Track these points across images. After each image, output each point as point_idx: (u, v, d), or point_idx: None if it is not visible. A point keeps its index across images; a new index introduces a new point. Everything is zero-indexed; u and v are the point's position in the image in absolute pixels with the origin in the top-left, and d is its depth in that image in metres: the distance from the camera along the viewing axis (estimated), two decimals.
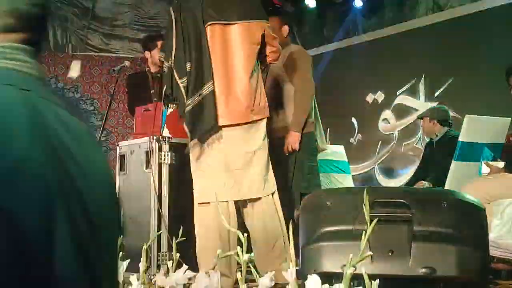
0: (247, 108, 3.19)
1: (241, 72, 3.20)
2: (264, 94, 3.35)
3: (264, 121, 3.30)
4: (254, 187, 3.21)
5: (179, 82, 3.15)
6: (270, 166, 3.33)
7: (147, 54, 4.88)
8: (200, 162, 3.21)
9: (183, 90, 3.15)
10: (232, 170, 3.17)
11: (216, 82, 3.16)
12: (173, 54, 3.17)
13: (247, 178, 3.20)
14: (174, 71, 3.17)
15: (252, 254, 3.09)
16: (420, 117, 5.52)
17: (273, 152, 3.49)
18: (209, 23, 3.17)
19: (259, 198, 3.24)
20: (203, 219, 3.18)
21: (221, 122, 3.16)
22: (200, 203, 3.20)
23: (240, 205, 3.27)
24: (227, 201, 3.15)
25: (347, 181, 5.73)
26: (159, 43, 4.71)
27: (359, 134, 7.81)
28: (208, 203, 3.13)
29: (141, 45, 5.03)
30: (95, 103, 9.41)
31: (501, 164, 3.94)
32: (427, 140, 5.76)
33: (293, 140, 4.15)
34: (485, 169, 4.01)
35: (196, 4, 3.19)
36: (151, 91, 4.79)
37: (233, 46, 3.21)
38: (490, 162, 4.06)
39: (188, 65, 3.15)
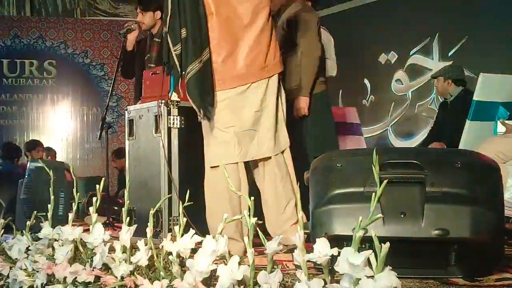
0: (255, 68, 3.10)
1: (249, 31, 3.09)
2: (278, 48, 3.24)
3: (275, 77, 3.20)
4: (264, 147, 3.15)
5: (172, 49, 3.03)
6: (283, 124, 3.25)
7: (141, 12, 4.82)
8: (210, 125, 3.16)
9: (175, 58, 3.03)
10: (242, 131, 3.11)
11: (221, 45, 3.06)
12: (168, 20, 3.05)
13: (256, 137, 3.14)
14: (168, 37, 3.05)
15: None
16: (435, 77, 5.42)
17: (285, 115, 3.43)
18: None
19: (270, 159, 3.19)
20: (212, 183, 3.14)
21: (228, 85, 3.09)
22: (212, 167, 3.15)
23: (251, 167, 3.22)
24: (236, 164, 3.10)
25: (360, 144, 5.68)
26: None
27: (372, 96, 7.73)
28: (218, 166, 3.08)
29: (140, 3, 4.92)
30: (105, 68, 9.38)
31: None
32: (441, 100, 5.68)
33: (302, 106, 4.09)
34: (500, 128, 3.94)
35: None
36: (146, 56, 4.76)
37: (239, 4, 3.08)
38: (506, 121, 3.98)
39: (183, 32, 3.02)
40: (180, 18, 3.02)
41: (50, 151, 8.21)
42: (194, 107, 3.08)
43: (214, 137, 3.14)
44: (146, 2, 4.89)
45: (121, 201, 5.29)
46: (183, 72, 3.04)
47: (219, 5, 3.07)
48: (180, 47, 3.02)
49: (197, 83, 3.02)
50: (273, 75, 3.18)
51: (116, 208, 5.13)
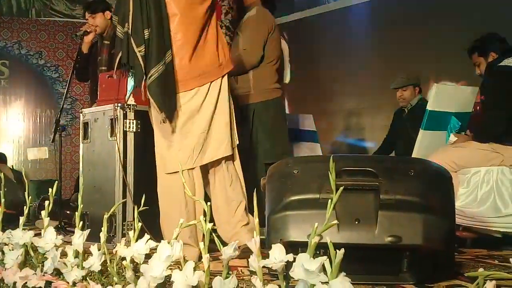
0: (208, 68, 3.09)
1: (205, 28, 3.10)
2: (226, 45, 3.25)
3: (224, 78, 3.19)
4: (221, 147, 3.15)
5: (136, 50, 2.96)
6: (234, 122, 3.26)
7: (91, 16, 4.80)
8: (165, 129, 3.12)
9: (140, 59, 2.97)
10: (199, 133, 3.09)
11: (185, 44, 3.05)
12: (130, 19, 2.98)
13: (212, 139, 3.13)
14: (132, 38, 2.98)
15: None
16: (401, 87, 5.42)
17: (238, 120, 3.44)
18: None
19: (220, 164, 3.19)
20: (167, 188, 3.11)
21: (191, 85, 3.07)
22: (168, 173, 3.12)
23: (201, 173, 3.19)
24: (192, 169, 3.08)
25: (316, 150, 5.71)
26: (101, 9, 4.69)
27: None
28: (174, 172, 3.05)
29: (87, 8, 4.89)
30: (59, 70, 9.22)
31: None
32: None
33: None
34: (452, 138, 4.02)
35: None
36: (98, 58, 4.73)
37: (184, 6, 3.07)
38: (458, 134, 4.07)
39: (147, 32, 2.97)
40: (142, 19, 2.97)
41: None
42: (157, 110, 3.03)
43: (171, 142, 3.10)
44: (93, 5, 4.86)
45: (74, 205, 5.19)
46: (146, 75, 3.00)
47: (184, 7, 3.05)
48: (144, 48, 2.97)
49: (160, 85, 2.98)
50: (226, 73, 3.18)
51: (68, 212, 5.03)
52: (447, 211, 2.35)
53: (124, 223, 3.72)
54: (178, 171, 2.93)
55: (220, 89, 3.15)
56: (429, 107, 4.23)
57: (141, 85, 3.00)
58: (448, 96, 4.29)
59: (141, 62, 2.97)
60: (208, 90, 3.11)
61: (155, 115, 3.14)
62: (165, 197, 3.13)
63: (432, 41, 6.33)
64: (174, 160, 3.07)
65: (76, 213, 2.28)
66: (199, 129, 3.09)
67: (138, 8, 2.98)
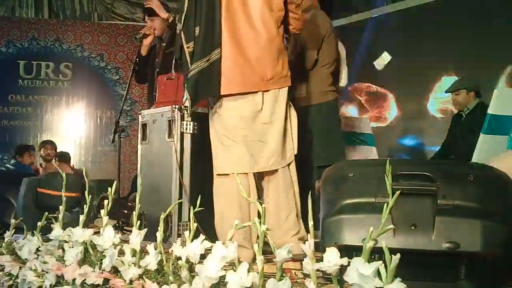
0: (264, 77, 3.07)
1: (259, 40, 3.07)
2: (286, 63, 3.22)
3: (285, 90, 3.17)
4: (272, 160, 3.12)
5: (184, 46, 3.03)
6: (290, 136, 3.22)
7: (149, 19, 4.89)
8: (218, 132, 3.15)
9: (187, 55, 3.03)
10: (251, 141, 3.10)
11: (231, 49, 3.05)
12: (183, 16, 3.05)
13: (265, 150, 3.11)
14: (182, 34, 3.05)
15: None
16: (454, 90, 5.36)
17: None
18: None
19: (276, 171, 3.17)
20: (222, 189, 3.13)
21: (235, 90, 3.07)
22: (219, 174, 3.15)
23: (256, 178, 3.19)
24: (246, 173, 3.08)
25: (371, 153, 5.65)
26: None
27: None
28: (228, 174, 3.08)
29: (146, 11, 5.00)
30: (120, 72, 9.43)
31: None
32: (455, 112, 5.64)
33: None
34: None
35: None
36: (156, 61, 4.81)
37: (252, 12, 3.08)
38: None
39: (197, 30, 3.02)
40: (195, 17, 3.03)
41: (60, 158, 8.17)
42: (188, 102, 3.10)
43: (224, 145, 3.12)
44: (152, 8, 4.94)
45: (131, 205, 5.29)
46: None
47: (235, 12, 3.07)
48: (193, 45, 3.03)
49: (199, 80, 3.03)
50: (282, 88, 3.16)
51: (126, 211, 5.13)
52: (507, 217, 2.28)
53: (179, 223, 3.77)
54: (231, 173, 2.97)
55: (276, 102, 3.12)
56: (490, 110, 4.14)
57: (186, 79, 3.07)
58: (510, 99, 4.19)
59: (188, 59, 3.04)
60: (263, 99, 3.10)
61: (210, 116, 3.18)
62: (220, 199, 3.15)
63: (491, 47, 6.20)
64: (225, 162, 3.09)
65: (134, 212, 2.32)
66: (253, 137, 3.10)
67: (192, 6, 3.04)
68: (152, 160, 4.08)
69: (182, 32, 3.05)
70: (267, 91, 3.10)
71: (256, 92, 3.08)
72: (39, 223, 2.75)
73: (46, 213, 2.74)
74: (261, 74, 3.07)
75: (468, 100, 5.26)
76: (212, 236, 2.83)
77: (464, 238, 2.13)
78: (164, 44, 4.83)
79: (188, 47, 3.02)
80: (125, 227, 4.79)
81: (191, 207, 2.12)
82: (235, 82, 3.06)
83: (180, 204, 3.74)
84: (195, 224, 2.05)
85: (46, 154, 7.75)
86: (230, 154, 3.09)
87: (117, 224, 4.73)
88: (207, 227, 2.94)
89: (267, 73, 3.08)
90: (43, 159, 7.80)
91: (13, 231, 3.04)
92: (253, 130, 3.10)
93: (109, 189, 2.44)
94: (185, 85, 3.08)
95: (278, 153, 3.13)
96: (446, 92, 5.43)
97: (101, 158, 9.30)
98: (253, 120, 3.10)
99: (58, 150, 8.07)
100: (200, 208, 2.10)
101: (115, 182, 2.59)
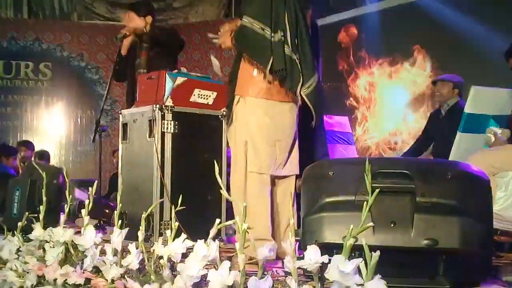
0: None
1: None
2: None
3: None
4: (293, 165, 3.21)
5: (294, 57, 3.03)
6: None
7: (138, 19, 4.89)
8: (256, 133, 3.14)
9: (299, 65, 3.05)
10: (283, 147, 3.16)
11: None
12: (287, 27, 3.04)
13: (289, 156, 3.20)
14: (286, 45, 3.03)
15: None
16: (437, 81, 5.41)
17: None
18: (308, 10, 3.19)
19: (287, 177, 3.23)
20: (256, 188, 3.12)
21: (278, 97, 3.12)
22: (251, 172, 3.12)
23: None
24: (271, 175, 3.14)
25: (351, 152, 5.70)
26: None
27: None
28: (261, 173, 3.10)
29: (131, 10, 4.99)
30: (100, 71, 9.38)
31: (506, 132, 3.89)
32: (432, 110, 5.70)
33: None
34: (497, 130, 3.95)
35: None
36: (137, 61, 4.82)
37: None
38: (494, 128, 3.99)
39: (297, 41, 3.06)
40: (297, 28, 3.07)
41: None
42: (314, 112, 3.15)
43: (259, 146, 3.12)
44: (138, 8, 4.96)
45: (112, 204, 5.28)
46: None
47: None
48: (298, 56, 3.06)
49: (316, 93, 3.13)
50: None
51: (107, 211, 5.12)
52: (484, 214, 2.32)
53: (161, 222, 3.77)
54: (264, 173, 3.06)
55: (296, 111, 3.22)
56: (466, 109, 4.18)
57: (299, 90, 3.08)
58: (486, 98, 4.24)
59: (300, 68, 3.06)
60: (289, 109, 3.17)
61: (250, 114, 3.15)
62: (251, 196, 3.10)
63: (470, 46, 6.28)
64: (260, 161, 3.11)
65: (115, 211, 2.32)
66: (283, 142, 3.16)
67: (291, 17, 3.05)
68: (133, 159, 4.07)
69: (285, 43, 3.04)
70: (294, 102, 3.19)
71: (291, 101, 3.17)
72: (19, 223, 2.75)
73: (27, 213, 2.73)
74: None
75: (451, 96, 5.31)
76: (193, 235, 2.83)
77: (443, 235, 2.16)
78: (147, 45, 4.84)
79: (297, 57, 3.05)
80: (106, 227, 4.78)
81: (173, 206, 2.13)
82: (276, 90, 3.11)
83: (161, 203, 3.74)
84: (177, 223, 2.06)
85: (21, 157, 7.71)
86: (266, 155, 3.12)
87: (98, 224, 4.72)
88: (188, 225, 2.95)
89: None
90: (20, 161, 7.75)
91: None
92: (286, 136, 3.18)
93: (90, 189, 2.44)
94: (307, 97, 3.10)
95: (296, 159, 3.23)
96: (433, 81, 5.50)
97: (81, 158, 9.25)
98: (284, 127, 3.17)
99: (37, 150, 8.02)
100: (181, 207, 2.11)
101: (96, 182, 2.59)
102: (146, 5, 5.07)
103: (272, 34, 3.01)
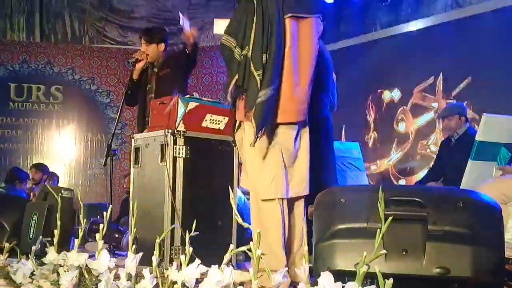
0: (303, 107, 3.05)
1: (306, 71, 3.05)
2: None
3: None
4: (302, 185, 3.08)
5: (255, 74, 2.91)
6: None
7: (145, 44, 4.99)
8: (258, 158, 3.04)
9: (259, 82, 2.90)
10: (288, 167, 3.04)
11: (284, 77, 2.99)
12: (251, 43, 2.93)
13: (297, 175, 3.07)
14: (251, 61, 2.92)
15: None
16: (445, 116, 5.44)
17: None
18: (289, 15, 2.96)
19: (299, 200, 3.12)
20: (271, 215, 2.99)
21: (289, 118, 3.02)
22: (264, 200, 3.01)
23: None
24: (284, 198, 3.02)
25: (362, 179, 5.70)
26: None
27: (374, 132, 7.78)
28: (273, 199, 2.96)
29: (145, 35, 5.09)
30: (111, 95, 9.46)
31: None
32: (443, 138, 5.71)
33: None
34: (497, 173, 3.98)
35: None
36: (148, 86, 4.91)
37: (303, 43, 3.04)
38: (503, 167, 4.01)
39: (264, 57, 2.92)
40: (263, 43, 2.93)
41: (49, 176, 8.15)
42: (255, 128, 2.94)
43: (264, 170, 3.02)
44: (151, 34, 5.06)
45: (121, 229, 5.29)
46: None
47: (298, 39, 3.03)
48: (261, 73, 2.92)
49: (264, 109, 2.92)
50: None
51: (116, 235, 5.13)
52: (496, 243, 2.33)
53: (172, 247, 3.78)
54: (275, 199, 2.93)
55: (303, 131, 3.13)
56: (478, 137, 4.20)
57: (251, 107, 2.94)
58: (498, 126, 4.25)
59: (258, 86, 2.92)
60: (299, 128, 3.07)
61: (248, 138, 3.05)
62: (269, 223, 2.98)
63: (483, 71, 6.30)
64: (268, 187, 2.99)
65: (129, 236, 2.34)
66: (289, 163, 3.04)
67: (260, 32, 2.94)
68: (144, 184, 4.10)
69: (251, 60, 2.94)
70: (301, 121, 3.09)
71: (295, 122, 3.06)
72: (33, 247, 2.77)
73: (41, 237, 2.75)
74: (305, 104, 3.06)
75: (459, 125, 5.35)
76: (203, 260, 2.83)
77: (454, 264, 2.17)
78: (157, 70, 4.93)
79: (258, 75, 2.90)
80: (116, 251, 4.79)
81: (187, 231, 2.15)
82: (290, 111, 3.01)
83: (172, 229, 3.75)
84: (191, 248, 2.08)
85: (31, 179, 7.76)
86: (272, 179, 2.99)
87: (108, 249, 4.73)
88: (198, 251, 2.94)
89: (305, 106, 3.08)
90: (31, 183, 7.79)
91: (6, 255, 3.05)
92: (290, 156, 3.05)
93: (104, 213, 2.47)
94: (252, 111, 2.92)
95: (306, 179, 3.09)
96: (439, 117, 5.52)
97: (91, 181, 9.28)
98: (289, 147, 3.04)
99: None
100: (195, 233, 2.13)
101: (110, 206, 2.62)
102: (159, 32, 5.17)
103: (237, 51, 2.96)
